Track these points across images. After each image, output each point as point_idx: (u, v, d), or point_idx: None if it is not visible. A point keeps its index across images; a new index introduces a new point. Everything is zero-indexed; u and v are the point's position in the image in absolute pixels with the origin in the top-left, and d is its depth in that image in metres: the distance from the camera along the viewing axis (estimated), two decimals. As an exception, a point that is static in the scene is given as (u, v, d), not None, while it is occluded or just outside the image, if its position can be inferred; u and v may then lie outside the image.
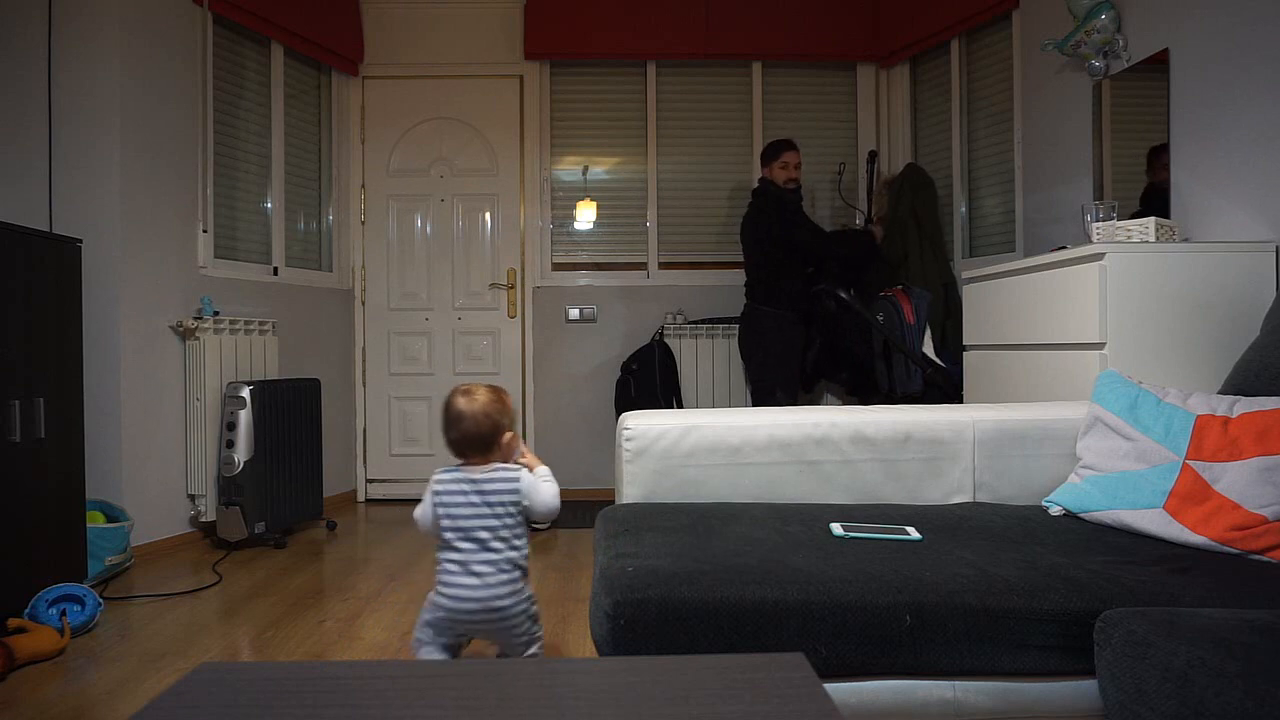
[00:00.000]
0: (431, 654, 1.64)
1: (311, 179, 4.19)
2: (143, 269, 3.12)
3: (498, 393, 1.71)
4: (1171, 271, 2.18)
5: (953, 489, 1.78)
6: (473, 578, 1.59)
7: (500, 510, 1.61)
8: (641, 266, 4.41)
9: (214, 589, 2.73)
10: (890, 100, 4.39)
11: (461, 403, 1.66)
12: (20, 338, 2.31)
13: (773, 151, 3.76)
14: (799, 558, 1.31)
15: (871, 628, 1.18)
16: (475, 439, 1.65)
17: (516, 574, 1.61)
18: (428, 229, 4.38)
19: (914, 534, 1.46)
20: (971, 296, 2.90)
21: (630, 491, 1.76)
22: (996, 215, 3.78)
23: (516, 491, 1.61)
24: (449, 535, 1.61)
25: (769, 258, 3.68)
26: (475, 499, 1.61)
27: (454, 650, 1.67)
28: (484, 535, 1.60)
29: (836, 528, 1.48)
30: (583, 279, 4.40)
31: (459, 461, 1.67)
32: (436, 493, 1.63)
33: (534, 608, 1.65)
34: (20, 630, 2.08)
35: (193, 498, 3.30)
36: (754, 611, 1.18)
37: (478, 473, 1.63)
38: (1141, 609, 1.10)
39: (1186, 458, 1.52)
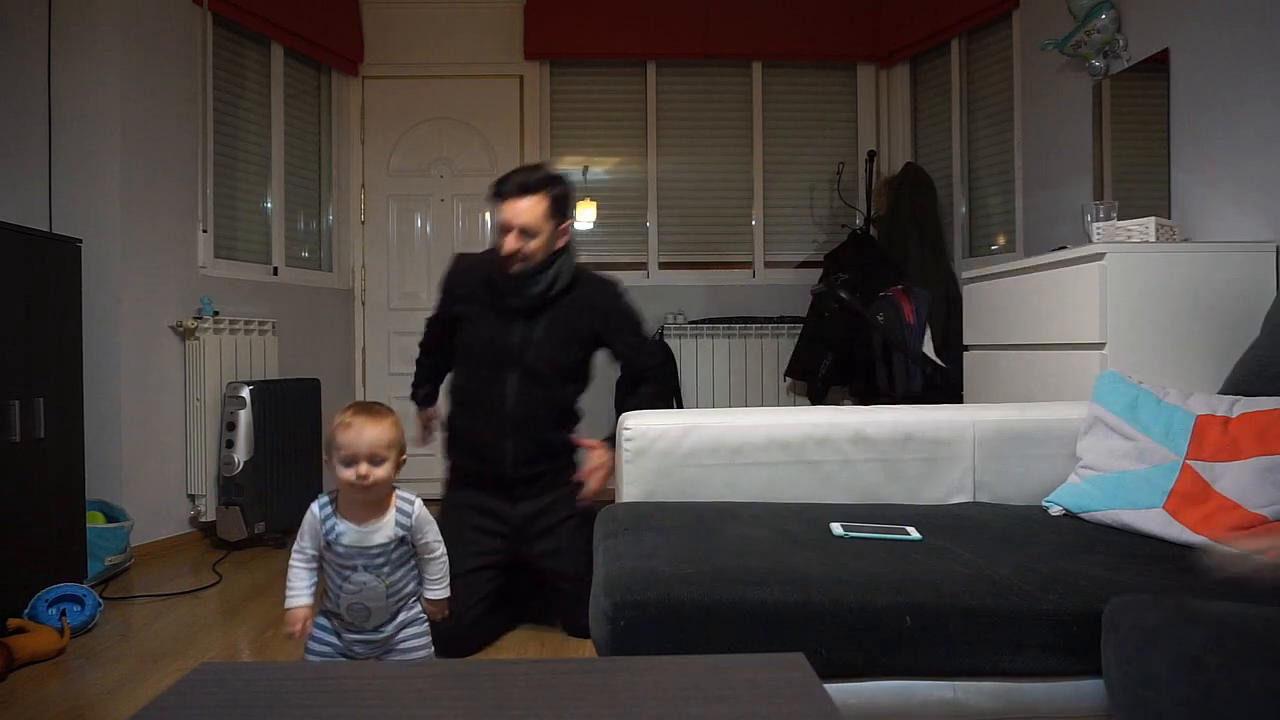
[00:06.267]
0: None
1: (311, 179, 4.19)
2: (143, 269, 3.12)
3: None
4: (1171, 271, 2.17)
5: (953, 489, 1.77)
6: None
7: None
8: (641, 266, 4.40)
9: (214, 589, 2.73)
10: (890, 100, 4.39)
11: None
12: (20, 338, 2.31)
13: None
14: (799, 558, 1.31)
15: (871, 628, 1.18)
16: None
17: None
18: (428, 229, 4.37)
19: (914, 534, 1.46)
20: (971, 296, 2.90)
21: (630, 491, 1.76)
22: (996, 215, 3.77)
23: None
24: None
25: None
26: None
27: None
28: None
29: (836, 528, 1.48)
30: (583, 279, 4.39)
31: None
32: None
33: None
34: (20, 630, 2.08)
35: (193, 498, 3.30)
36: (754, 611, 1.18)
37: None
38: (1153, 594, 1.08)
39: (1186, 458, 1.52)
